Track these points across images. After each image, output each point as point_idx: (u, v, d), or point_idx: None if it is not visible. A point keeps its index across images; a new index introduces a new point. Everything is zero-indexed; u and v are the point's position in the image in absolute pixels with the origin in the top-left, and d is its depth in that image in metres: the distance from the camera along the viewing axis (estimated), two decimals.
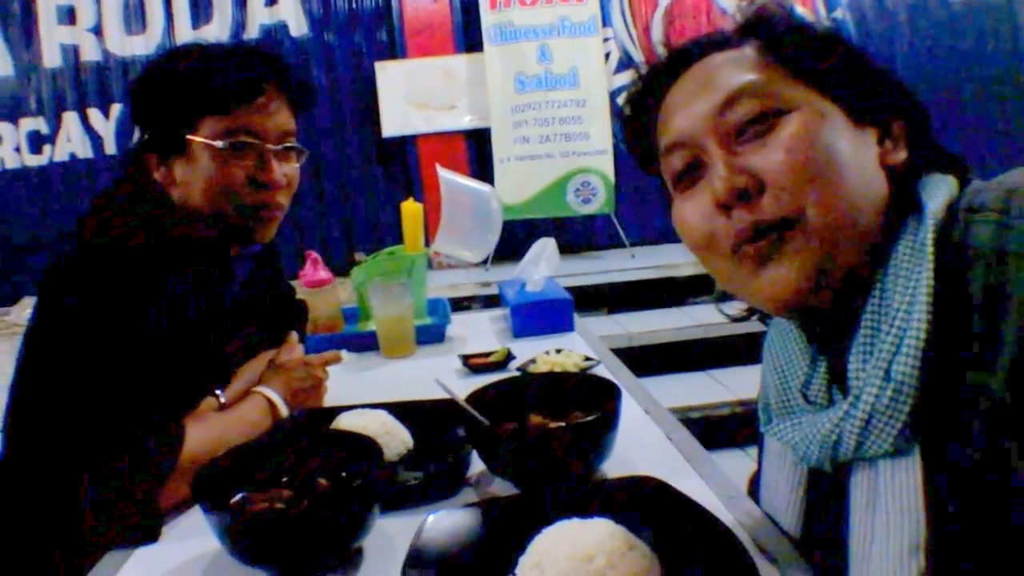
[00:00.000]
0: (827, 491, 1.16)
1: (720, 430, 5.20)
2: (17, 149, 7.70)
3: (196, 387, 1.82)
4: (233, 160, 1.79)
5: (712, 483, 1.53)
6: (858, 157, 1.06)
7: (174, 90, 1.79)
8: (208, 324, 1.84)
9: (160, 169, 1.83)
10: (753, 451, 4.29)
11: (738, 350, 5.93)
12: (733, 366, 6.01)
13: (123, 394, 1.58)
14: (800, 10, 7.80)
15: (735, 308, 1.32)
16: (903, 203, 1.07)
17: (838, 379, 1.12)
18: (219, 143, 1.76)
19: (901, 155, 1.11)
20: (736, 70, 1.11)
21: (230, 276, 1.95)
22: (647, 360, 5.95)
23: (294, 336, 2.15)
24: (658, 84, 1.21)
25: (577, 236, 8.21)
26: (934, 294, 0.96)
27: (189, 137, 1.77)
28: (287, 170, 1.88)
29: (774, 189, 1.03)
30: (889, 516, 0.99)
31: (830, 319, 1.10)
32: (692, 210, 1.14)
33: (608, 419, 1.54)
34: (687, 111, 1.13)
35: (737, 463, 4.76)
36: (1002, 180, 1.00)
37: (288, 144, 1.88)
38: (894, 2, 8.22)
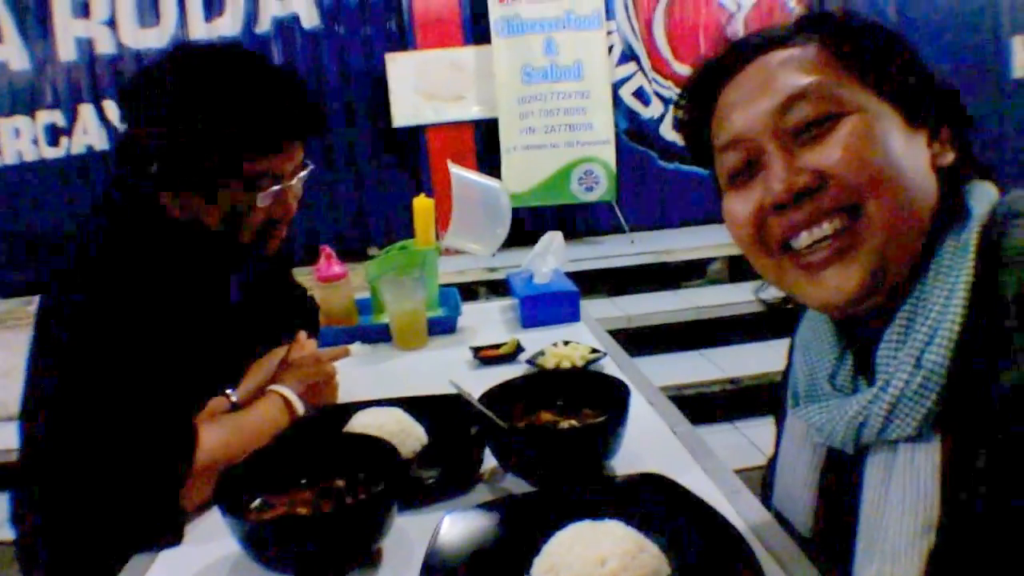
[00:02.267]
0: (844, 478, 1.19)
1: (712, 406, 5.45)
2: (35, 142, 7.65)
3: (205, 387, 1.82)
4: (257, 203, 1.78)
5: (715, 477, 1.58)
6: (913, 159, 1.08)
7: (207, 130, 1.69)
8: (215, 324, 1.85)
9: (170, 196, 1.80)
10: (742, 424, 4.46)
11: (728, 331, 6.21)
12: (724, 346, 6.21)
13: (131, 394, 1.58)
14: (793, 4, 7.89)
15: (772, 294, 1.31)
16: (948, 207, 1.10)
17: (863, 369, 1.17)
18: (247, 189, 1.75)
19: (949, 157, 1.13)
20: (796, 70, 1.11)
21: (237, 277, 1.97)
22: (645, 340, 6.11)
23: (303, 334, 2.15)
24: (715, 78, 1.22)
25: (580, 223, 8.26)
26: (971, 293, 0.99)
27: (215, 178, 1.74)
28: (297, 191, 1.89)
29: (835, 182, 1.05)
30: (905, 494, 1.02)
31: (865, 313, 1.12)
32: (743, 207, 1.16)
33: (617, 419, 1.59)
34: (746, 110, 1.14)
35: (727, 436, 5.13)
36: None
37: (301, 173, 1.88)
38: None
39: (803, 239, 1.10)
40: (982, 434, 0.97)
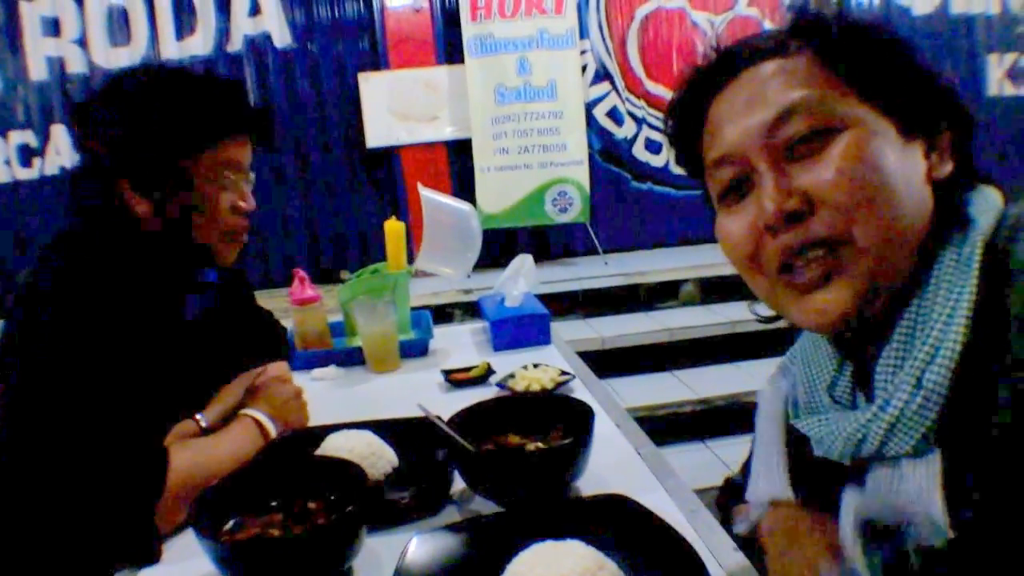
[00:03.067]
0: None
1: (682, 426, 5.47)
2: (8, 163, 7.67)
3: (173, 412, 1.83)
4: (223, 192, 1.83)
5: (676, 497, 1.61)
6: (908, 175, 1.04)
7: (163, 125, 1.76)
8: (176, 346, 1.84)
9: (142, 203, 1.80)
10: (712, 443, 4.48)
11: (700, 353, 6.24)
12: (695, 367, 6.22)
13: (99, 418, 1.59)
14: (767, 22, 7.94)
15: (765, 310, 1.25)
16: (946, 216, 1.06)
17: (862, 382, 1.15)
18: (211, 178, 1.80)
19: (947, 168, 1.09)
20: (788, 83, 1.07)
21: (196, 298, 1.97)
22: (618, 361, 6.16)
23: (270, 365, 2.17)
24: (706, 87, 1.18)
25: (555, 244, 8.33)
26: (974, 310, 0.96)
27: (176, 169, 1.77)
28: (252, 200, 1.92)
29: (825, 209, 1.02)
30: (918, 493, 0.99)
31: (860, 327, 1.09)
32: (737, 227, 1.13)
33: (582, 442, 1.61)
34: (736, 125, 1.10)
35: (698, 455, 5.16)
36: None
37: (251, 175, 1.92)
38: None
39: (797, 265, 1.07)
40: (980, 450, 0.96)
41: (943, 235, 1.05)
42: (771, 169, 1.07)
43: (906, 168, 1.05)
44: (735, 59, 1.15)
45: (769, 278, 1.12)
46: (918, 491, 0.99)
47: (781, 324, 1.25)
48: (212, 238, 1.87)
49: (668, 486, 1.67)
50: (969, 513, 0.96)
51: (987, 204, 1.06)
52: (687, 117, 1.22)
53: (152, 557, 1.55)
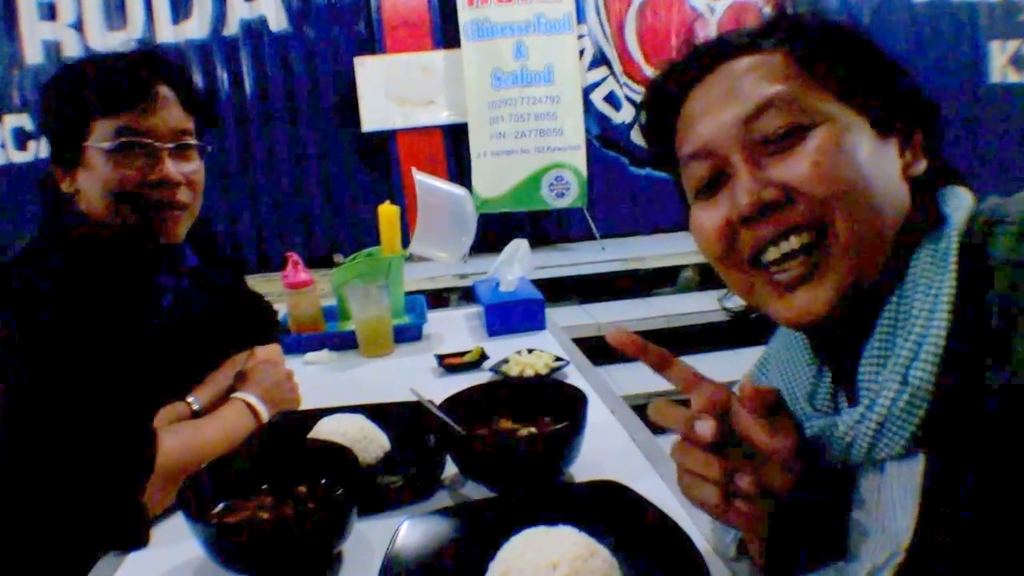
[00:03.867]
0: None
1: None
2: (3, 146, 7.66)
3: (163, 395, 1.84)
4: (123, 161, 1.79)
5: (671, 484, 1.54)
6: (883, 170, 1.05)
7: (63, 100, 1.83)
8: (155, 332, 1.85)
9: (64, 179, 1.85)
10: None
11: (698, 339, 6.14)
12: (694, 354, 6.15)
13: (88, 402, 1.60)
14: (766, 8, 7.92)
15: (736, 303, 1.28)
16: (921, 214, 1.07)
17: (842, 385, 1.15)
18: (106, 144, 1.77)
19: (921, 166, 1.10)
20: (763, 79, 1.07)
21: (167, 282, 1.97)
22: (614, 348, 6.09)
23: (258, 349, 2.17)
24: (681, 82, 1.18)
25: (551, 229, 8.33)
26: (954, 304, 0.95)
27: (83, 144, 1.79)
28: (186, 168, 1.88)
29: (802, 198, 1.02)
30: (895, 509, 0.99)
31: (838, 327, 1.08)
32: (711, 220, 1.12)
33: (575, 427, 1.60)
34: (712, 119, 1.10)
35: None
36: (1022, 195, 1.01)
37: (184, 142, 1.89)
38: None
39: (771, 253, 1.06)
40: (968, 448, 0.94)
41: (919, 232, 1.05)
42: (746, 163, 1.07)
43: (881, 163, 1.06)
44: (710, 54, 1.15)
45: (746, 273, 1.12)
46: (899, 494, 0.99)
47: (753, 316, 1.26)
48: (132, 217, 1.85)
49: (663, 473, 1.65)
50: (946, 512, 0.96)
51: (959, 202, 1.06)
52: (661, 111, 1.22)
53: (140, 541, 1.55)
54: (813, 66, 1.07)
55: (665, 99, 1.21)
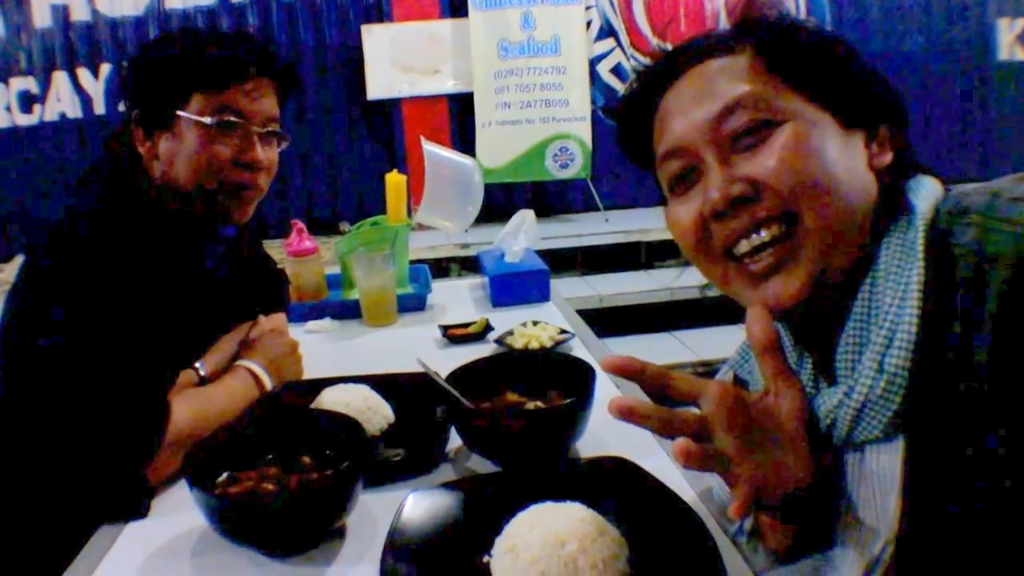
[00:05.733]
0: None
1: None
2: (8, 108, 7.65)
3: (176, 361, 1.84)
4: (219, 138, 1.82)
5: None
6: (849, 162, 1.09)
7: (167, 66, 1.83)
8: (187, 299, 1.86)
9: (145, 144, 1.85)
10: None
11: (701, 313, 6.13)
12: (696, 328, 6.19)
13: (108, 366, 1.60)
14: None
15: (717, 290, 1.29)
16: (889, 204, 1.11)
17: (822, 370, 1.18)
18: (207, 119, 1.79)
19: (887, 158, 1.14)
20: (732, 80, 1.13)
21: (209, 251, 1.99)
22: (616, 321, 6.13)
23: (262, 317, 2.17)
24: (655, 85, 1.23)
25: (554, 200, 8.31)
26: (923, 291, 0.99)
27: (178, 113, 1.80)
28: (269, 154, 1.92)
29: (770, 192, 1.06)
30: (874, 495, 1.02)
31: (815, 315, 1.13)
32: (686, 215, 1.17)
33: (583, 402, 1.59)
34: (684, 118, 1.15)
35: None
36: (987, 185, 1.05)
37: (271, 129, 1.92)
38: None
39: (743, 246, 1.11)
40: (945, 430, 0.98)
41: (887, 221, 1.09)
42: (717, 159, 1.12)
43: (847, 156, 1.10)
44: (682, 58, 1.21)
45: (721, 265, 1.17)
46: (879, 480, 1.02)
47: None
48: (213, 192, 1.86)
49: (668, 449, 1.63)
50: (927, 495, 1.00)
51: (926, 192, 1.10)
52: (637, 114, 1.27)
53: (140, 512, 1.55)
54: (779, 66, 1.12)
55: (641, 102, 1.26)
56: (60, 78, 7.69)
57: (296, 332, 2.36)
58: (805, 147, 1.07)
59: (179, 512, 1.50)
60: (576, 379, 1.69)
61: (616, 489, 1.37)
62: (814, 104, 1.10)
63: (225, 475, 1.48)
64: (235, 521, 1.35)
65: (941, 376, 0.98)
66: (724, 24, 1.24)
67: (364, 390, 1.80)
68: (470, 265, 6.41)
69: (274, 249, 2.60)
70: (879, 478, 1.02)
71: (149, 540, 1.46)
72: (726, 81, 1.13)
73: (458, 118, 7.90)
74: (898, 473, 1.00)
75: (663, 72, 1.23)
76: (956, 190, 1.10)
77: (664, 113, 1.21)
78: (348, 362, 2.28)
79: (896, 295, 1.01)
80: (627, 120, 1.31)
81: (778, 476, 1.06)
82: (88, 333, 1.61)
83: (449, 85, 7.77)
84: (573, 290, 6.37)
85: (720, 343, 5.78)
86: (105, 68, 7.78)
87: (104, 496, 1.56)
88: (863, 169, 1.11)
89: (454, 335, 2.49)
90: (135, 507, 1.55)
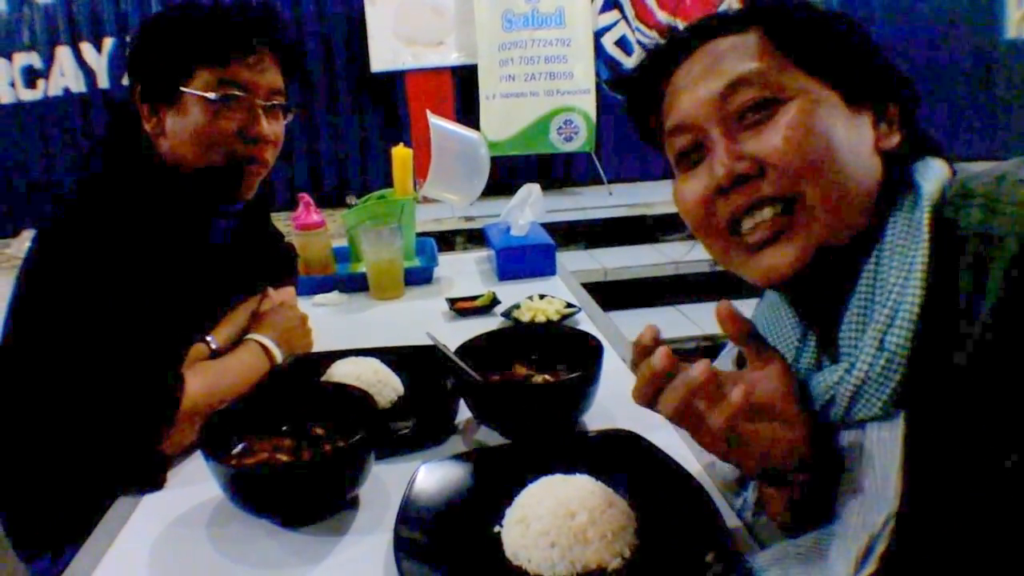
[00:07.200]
0: None
1: (687, 363, 5.41)
2: (12, 84, 7.65)
3: (188, 335, 1.86)
4: (223, 112, 1.83)
5: (684, 434, 1.55)
6: (854, 142, 1.09)
7: (170, 41, 1.83)
8: (198, 271, 1.87)
9: (151, 119, 1.86)
10: None
11: (706, 287, 6.11)
12: (701, 302, 6.18)
13: (123, 340, 1.62)
14: None
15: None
16: (895, 184, 1.11)
17: (826, 347, 1.19)
18: (211, 94, 1.79)
19: (895, 139, 1.14)
20: (740, 58, 1.13)
21: (218, 225, 1.99)
22: (621, 294, 6.12)
23: (271, 290, 2.18)
24: (664, 62, 1.23)
25: (558, 173, 8.29)
26: (927, 272, 1.00)
27: (182, 88, 1.80)
28: (275, 127, 1.92)
29: (773, 172, 1.07)
30: (876, 473, 1.03)
31: (820, 293, 1.14)
32: (692, 190, 1.18)
33: (591, 376, 1.62)
34: (691, 95, 1.16)
35: None
36: (993, 168, 1.04)
37: (276, 102, 1.92)
38: None
39: (746, 223, 1.12)
40: (945, 409, 1.00)
41: (893, 201, 1.10)
42: (723, 135, 1.13)
43: (852, 135, 1.10)
44: (692, 37, 1.21)
45: (724, 240, 1.18)
46: (880, 456, 1.03)
47: None
48: (218, 158, 1.87)
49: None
50: (927, 472, 1.01)
51: (932, 173, 1.10)
52: (647, 90, 1.28)
53: (157, 483, 1.58)
54: (787, 45, 1.13)
55: (651, 79, 1.27)
56: (63, 53, 7.67)
57: (304, 305, 2.38)
58: (810, 125, 1.07)
59: (195, 484, 1.53)
60: (583, 353, 1.70)
61: (624, 462, 1.40)
62: (822, 83, 1.11)
63: (240, 447, 1.51)
64: (250, 492, 1.37)
65: (943, 354, 0.99)
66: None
67: (374, 363, 1.82)
68: (475, 238, 6.41)
69: (282, 223, 2.61)
70: (880, 454, 1.03)
71: (166, 511, 1.48)
72: (734, 59, 1.14)
73: (462, 90, 7.86)
74: (898, 449, 1.01)
75: (673, 50, 1.23)
76: (962, 172, 1.11)
77: (673, 90, 1.21)
78: (356, 335, 2.31)
79: (900, 274, 1.02)
80: (636, 97, 1.31)
81: (778, 449, 1.09)
82: (103, 306, 1.63)
83: (453, 58, 7.73)
84: (578, 263, 6.36)
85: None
86: (108, 42, 7.75)
87: (120, 469, 1.58)
88: (869, 149, 1.12)
89: (461, 308, 2.51)
90: (151, 479, 1.57)
